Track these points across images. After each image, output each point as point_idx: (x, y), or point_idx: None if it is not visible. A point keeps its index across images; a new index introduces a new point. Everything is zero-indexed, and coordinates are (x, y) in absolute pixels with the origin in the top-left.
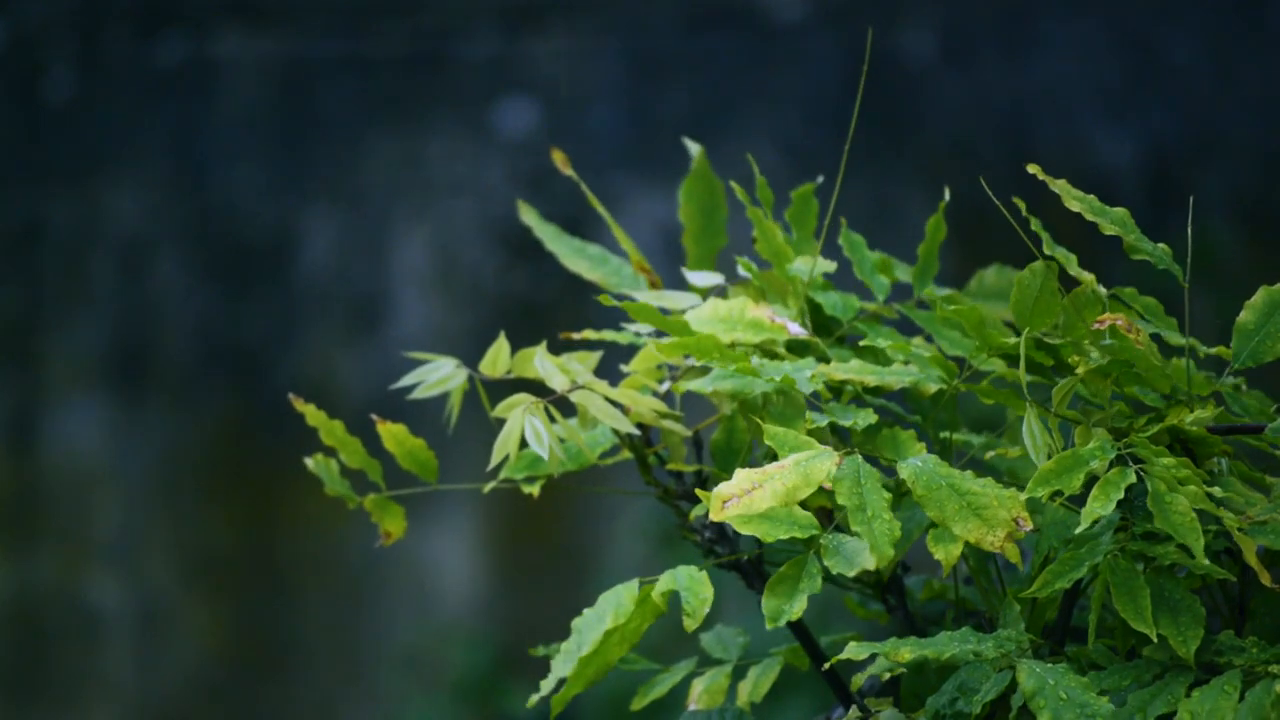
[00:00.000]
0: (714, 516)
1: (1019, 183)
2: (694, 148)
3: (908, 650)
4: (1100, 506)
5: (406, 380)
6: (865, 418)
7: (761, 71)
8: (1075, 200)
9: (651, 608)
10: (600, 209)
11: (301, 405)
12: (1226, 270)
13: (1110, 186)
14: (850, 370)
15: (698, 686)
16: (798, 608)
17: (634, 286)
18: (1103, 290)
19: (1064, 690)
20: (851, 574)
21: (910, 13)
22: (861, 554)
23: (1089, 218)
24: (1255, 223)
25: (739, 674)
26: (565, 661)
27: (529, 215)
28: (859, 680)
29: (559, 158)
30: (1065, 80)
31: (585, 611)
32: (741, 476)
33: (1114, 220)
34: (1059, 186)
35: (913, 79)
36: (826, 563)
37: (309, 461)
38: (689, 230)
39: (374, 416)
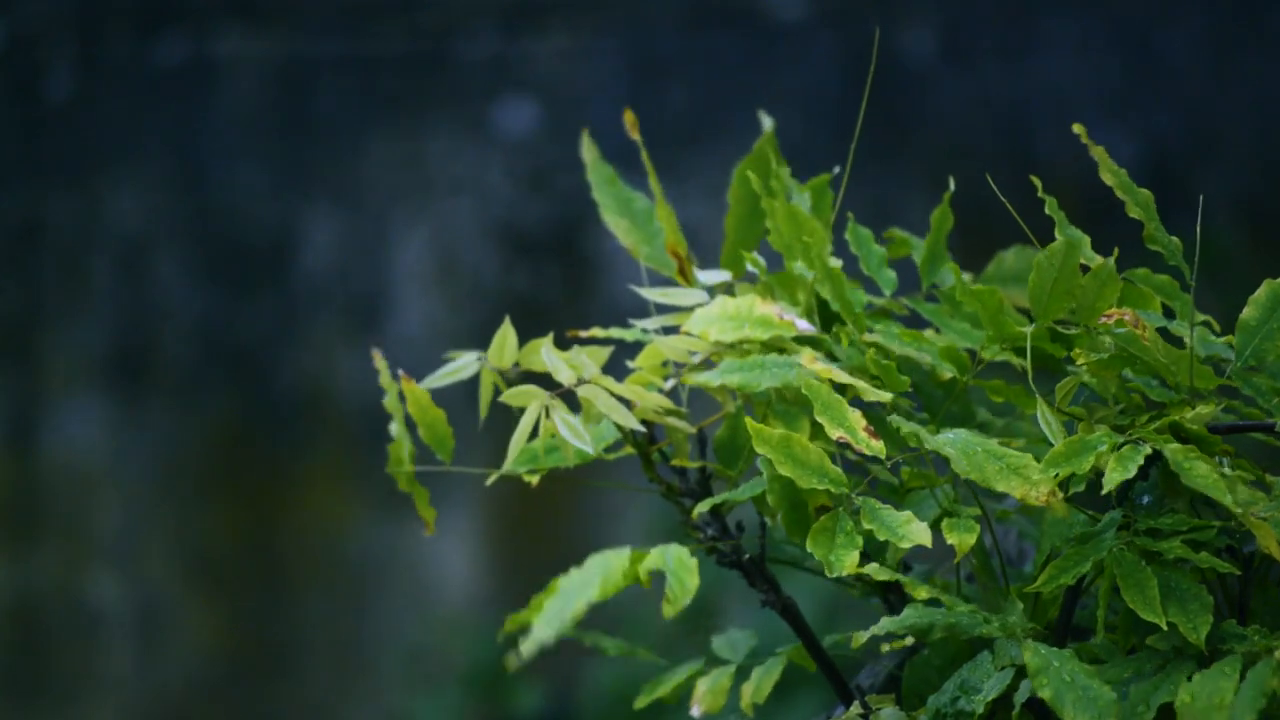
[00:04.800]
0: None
1: (1019, 182)
2: (766, 122)
3: (925, 590)
4: (1119, 475)
5: (433, 378)
6: (900, 384)
7: (761, 71)
8: (1110, 173)
9: (633, 577)
10: (654, 182)
11: (380, 362)
12: (1227, 271)
13: (1110, 186)
14: (879, 338)
15: (701, 686)
16: (848, 560)
17: (666, 258)
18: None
19: (1068, 673)
20: (905, 546)
21: (910, 13)
22: (909, 528)
23: (1119, 194)
24: (1255, 222)
25: (743, 674)
26: (549, 624)
27: (590, 152)
28: (860, 638)
29: (629, 119)
30: (1065, 80)
31: (572, 571)
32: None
33: (1139, 202)
34: (1098, 153)
35: (913, 79)
36: (869, 525)
37: (393, 427)
38: (734, 213)
39: (401, 372)
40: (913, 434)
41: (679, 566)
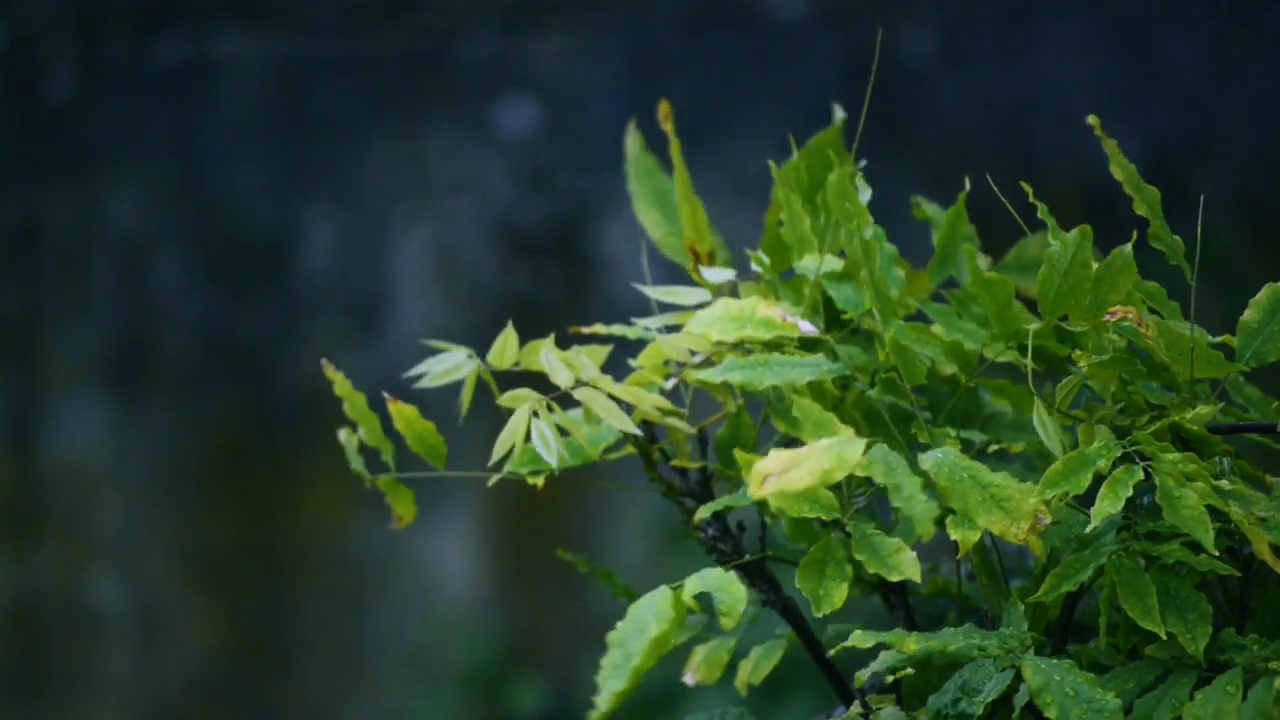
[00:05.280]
0: (753, 494)
1: (1019, 183)
2: (839, 114)
3: (913, 641)
4: (1109, 505)
5: (420, 369)
6: (919, 373)
7: (761, 71)
8: (1120, 167)
9: (682, 610)
10: (680, 173)
11: (331, 373)
12: (1227, 271)
13: (1110, 186)
14: (907, 336)
15: (698, 654)
16: (837, 596)
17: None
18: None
19: (1070, 686)
20: (894, 578)
21: (910, 13)
22: (899, 558)
23: (1127, 190)
24: (1256, 223)
25: (742, 652)
26: (617, 676)
27: (633, 141)
28: (861, 678)
29: (663, 110)
30: (1065, 80)
31: (620, 625)
32: (778, 456)
33: (1146, 199)
34: (1109, 147)
35: (913, 79)
36: (858, 557)
37: (341, 433)
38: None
39: (385, 394)
40: (884, 467)
41: (721, 582)
